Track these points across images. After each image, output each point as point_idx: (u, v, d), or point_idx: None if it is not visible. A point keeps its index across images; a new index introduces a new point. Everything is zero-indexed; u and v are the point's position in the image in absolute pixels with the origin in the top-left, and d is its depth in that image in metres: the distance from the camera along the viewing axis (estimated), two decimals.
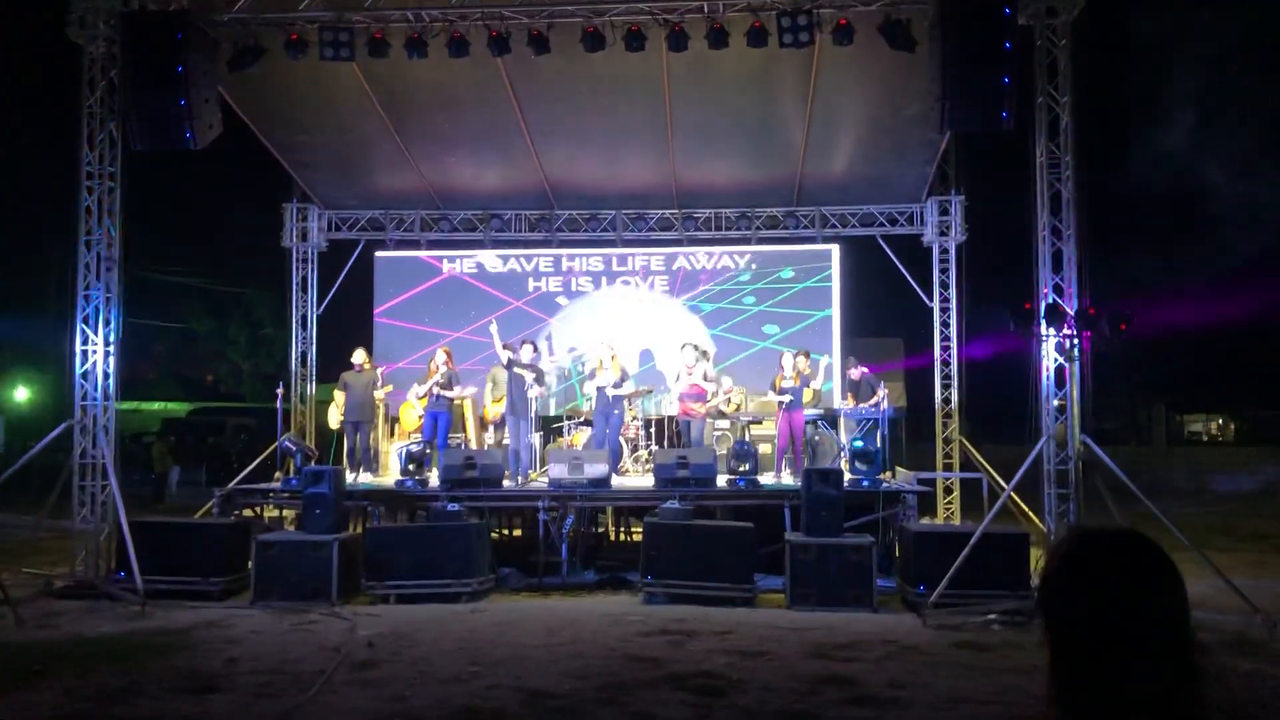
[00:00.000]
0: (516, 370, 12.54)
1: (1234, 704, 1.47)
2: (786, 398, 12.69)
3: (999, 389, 14.24)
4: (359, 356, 13.54)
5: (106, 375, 10.98)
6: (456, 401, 13.69)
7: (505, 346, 12.69)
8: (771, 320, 15.66)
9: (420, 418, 13.40)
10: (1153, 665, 1.40)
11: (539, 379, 12.73)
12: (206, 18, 10.70)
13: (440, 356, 13.21)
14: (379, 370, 13.84)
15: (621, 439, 13.66)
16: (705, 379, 13.19)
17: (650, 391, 14.67)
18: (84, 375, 10.94)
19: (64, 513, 10.97)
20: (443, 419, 13.07)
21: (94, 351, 10.95)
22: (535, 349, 13.18)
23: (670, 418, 14.04)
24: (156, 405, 30.16)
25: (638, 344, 15.68)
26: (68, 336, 11.09)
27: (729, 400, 13.98)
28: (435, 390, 12.92)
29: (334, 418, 13.80)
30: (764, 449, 13.47)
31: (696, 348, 13.44)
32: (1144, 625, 1.41)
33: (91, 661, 7.64)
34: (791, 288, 15.72)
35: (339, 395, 13.45)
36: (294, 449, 12.50)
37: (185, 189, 24.18)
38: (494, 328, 13.03)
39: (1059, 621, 1.48)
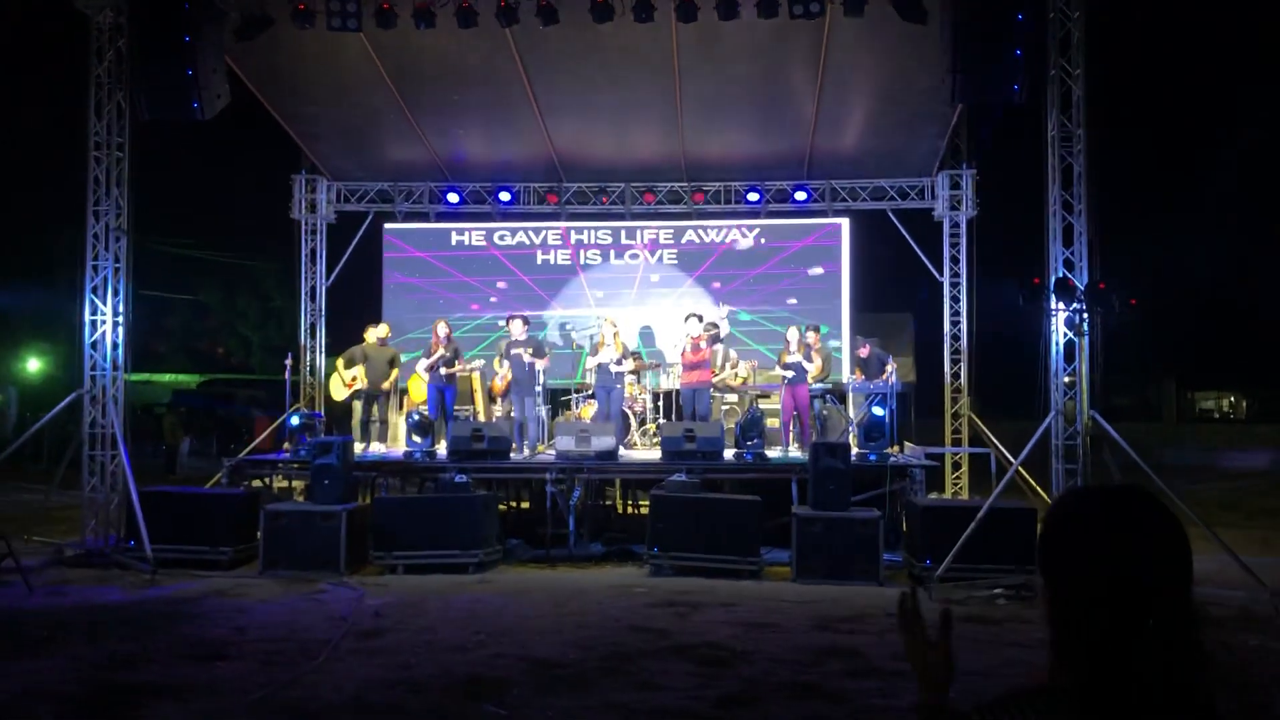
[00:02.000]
0: (514, 351, 12.71)
1: (1234, 670, 1.46)
2: (789, 372, 12.67)
3: (1009, 364, 14.20)
4: (380, 330, 13.53)
5: (116, 345, 11.02)
6: (463, 375, 13.73)
7: (510, 318, 12.77)
8: (780, 294, 15.62)
9: (426, 392, 13.45)
10: (1154, 622, 1.38)
11: (537, 352, 12.81)
12: None
13: (442, 330, 13.20)
14: (396, 351, 13.84)
15: (630, 412, 13.69)
16: (711, 350, 13.17)
17: (657, 366, 14.68)
18: (93, 345, 10.98)
19: (74, 483, 11.04)
20: (449, 392, 13.11)
21: (103, 322, 10.99)
22: (526, 322, 13.27)
23: (677, 391, 14.04)
24: (167, 377, 30.29)
25: (643, 318, 15.68)
26: (77, 307, 11.12)
27: (735, 374, 13.97)
28: (441, 370, 12.95)
29: (339, 390, 13.81)
30: (773, 423, 13.47)
31: (701, 319, 13.41)
32: (1145, 580, 1.40)
33: (100, 629, 7.70)
34: (801, 261, 15.68)
35: (354, 368, 13.42)
36: (304, 426, 12.46)
37: (194, 160, 24.12)
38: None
39: (1059, 578, 1.46)
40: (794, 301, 15.48)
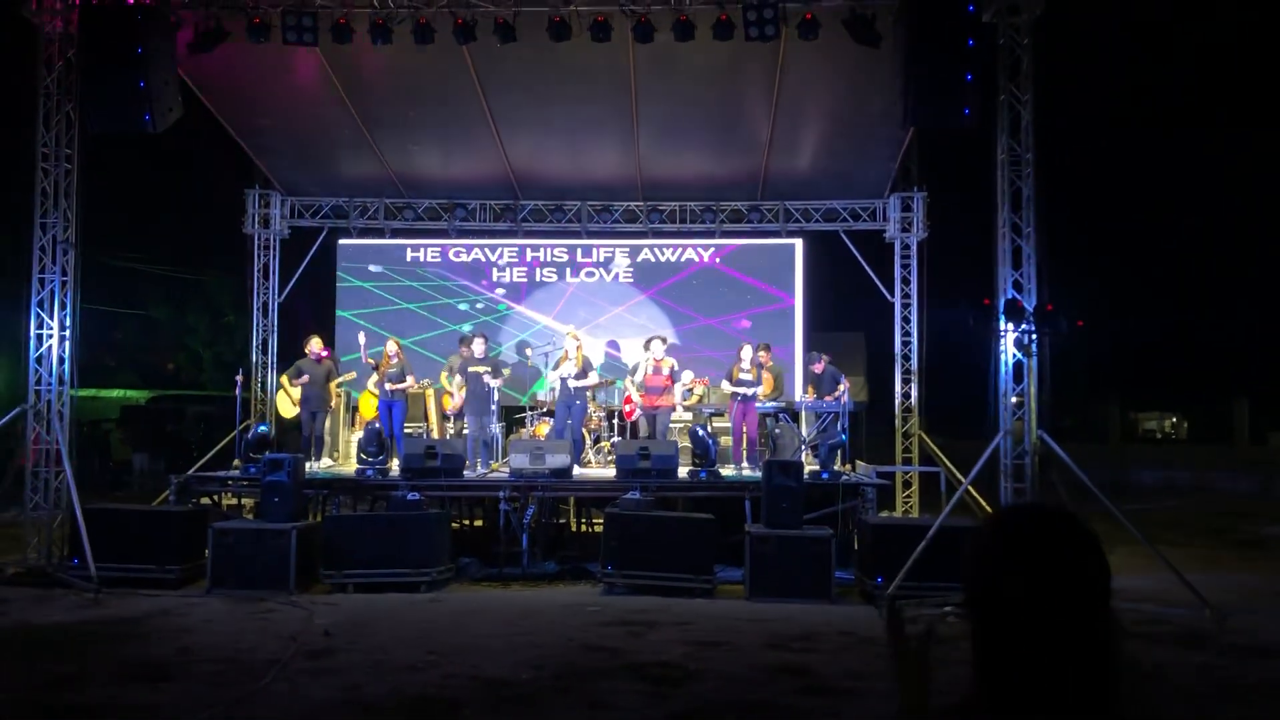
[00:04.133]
0: (471, 369, 12.68)
1: (1143, 689, 1.49)
2: (743, 390, 12.74)
3: (959, 384, 14.38)
4: (316, 345, 13.39)
5: (62, 360, 10.83)
6: (414, 391, 13.66)
7: (470, 336, 12.73)
8: (734, 313, 15.73)
9: (376, 409, 13.38)
10: (1073, 641, 1.42)
11: (495, 371, 12.81)
12: None
13: (391, 347, 13.14)
14: (335, 362, 13.74)
15: (584, 430, 13.69)
16: (671, 372, 13.22)
17: (613, 383, 14.70)
18: (39, 360, 10.79)
19: (17, 500, 10.81)
20: (397, 407, 13.02)
21: (49, 336, 10.80)
22: (486, 340, 13.29)
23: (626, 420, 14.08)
24: (116, 393, 29.76)
25: (602, 336, 15.71)
26: (23, 321, 10.92)
27: (691, 392, 14.03)
28: (387, 385, 12.88)
29: (286, 407, 13.67)
30: (726, 441, 13.52)
31: (665, 341, 13.47)
32: (1065, 600, 1.43)
33: (41, 649, 7.55)
34: (755, 281, 15.81)
35: (295, 384, 13.29)
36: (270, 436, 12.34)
37: (145, 173, 23.81)
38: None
39: (981, 597, 1.49)
40: (747, 323, 15.58)
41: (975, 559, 1.52)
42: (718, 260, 15.86)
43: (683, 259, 15.93)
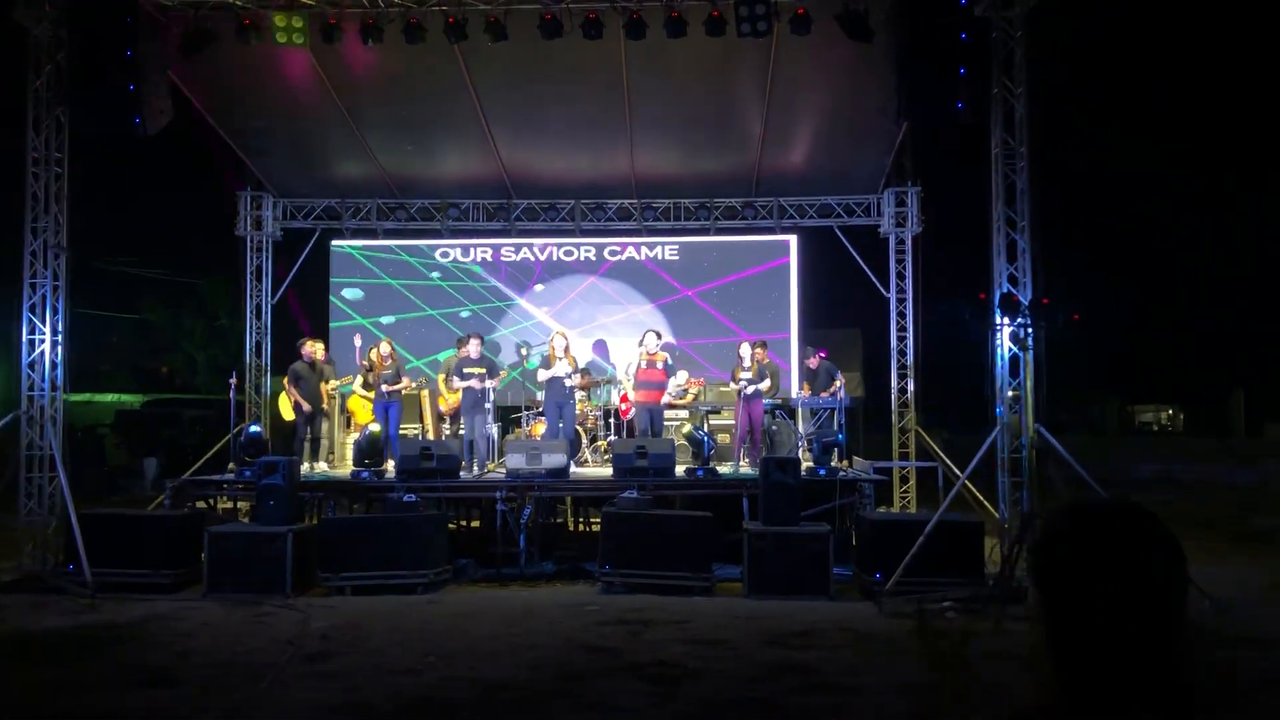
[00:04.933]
0: (466, 370, 12.65)
1: (1216, 686, 1.47)
2: (750, 388, 12.72)
3: (955, 378, 14.36)
4: (310, 347, 13.35)
5: (55, 365, 10.77)
6: (409, 392, 13.63)
7: (466, 337, 12.69)
8: (730, 310, 15.72)
9: (372, 411, 13.34)
10: (1153, 644, 1.39)
11: (491, 372, 12.79)
12: (156, 2, 10.51)
13: (384, 348, 13.11)
14: (331, 365, 13.70)
15: (580, 429, 13.66)
16: (665, 366, 13.19)
17: (608, 382, 14.67)
18: (31, 365, 10.73)
19: (11, 506, 10.76)
20: (393, 409, 13.00)
21: (41, 341, 10.74)
22: (481, 341, 13.25)
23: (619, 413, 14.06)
24: (110, 397, 29.68)
25: (595, 334, 15.69)
26: (15, 326, 10.86)
27: (686, 391, 14.00)
28: (383, 387, 12.85)
29: (287, 409, 13.63)
30: (723, 438, 13.51)
31: (659, 335, 13.45)
32: (1142, 597, 1.40)
33: (37, 655, 7.51)
34: (750, 278, 15.80)
35: (292, 387, 13.26)
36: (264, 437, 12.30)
37: (137, 177, 23.77)
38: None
39: (1057, 595, 1.46)
40: (742, 318, 15.56)
41: (1053, 557, 1.48)
42: (712, 257, 15.86)
43: (677, 256, 15.91)
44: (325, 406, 13.47)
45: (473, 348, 12.99)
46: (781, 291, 15.77)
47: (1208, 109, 30.60)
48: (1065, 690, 1.43)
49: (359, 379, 13.46)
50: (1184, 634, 1.41)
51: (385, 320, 15.69)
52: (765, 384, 12.89)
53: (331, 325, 15.83)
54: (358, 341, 13.67)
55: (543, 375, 13.21)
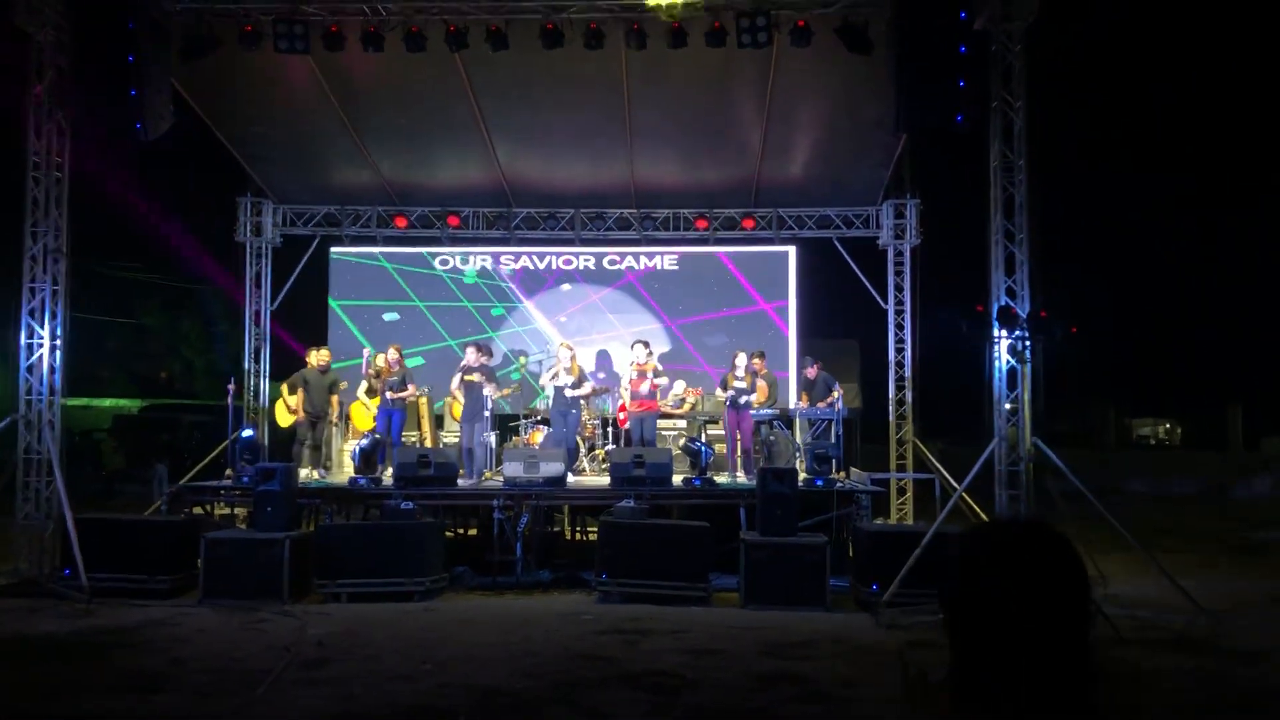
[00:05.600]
0: (466, 379, 12.66)
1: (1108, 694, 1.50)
2: (742, 398, 12.73)
3: (953, 390, 14.38)
4: (321, 355, 13.36)
5: (53, 369, 10.77)
6: (412, 400, 13.64)
7: (467, 346, 12.72)
8: (728, 320, 15.75)
9: (374, 418, 13.34)
10: (1042, 643, 1.41)
11: (490, 379, 12.80)
12: (159, 7, 10.53)
13: (392, 355, 13.14)
14: (337, 376, 13.70)
15: (579, 438, 13.67)
16: (657, 376, 13.21)
17: (608, 390, 14.69)
18: (29, 370, 10.74)
19: (8, 510, 10.75)
20: (396, 416, 13.02)
21: (40, 345, 10.75)
22: (479, 349, 13.27)
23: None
24: (108, 402, 29.68)
25: (595, 344, 15.71)
26: (13, 331, 10.86)
27: (683, 400, 14.01)
28: (389, 394, 12.87)
29: (284, 416, 13.64)
30: (720, 448, 13.51)
31: (647, 345, 13.46)
32: (1043, 610, 1.42)
33: (32, 660, 7.50)
34: (748, 288, 15.83)
35: (297, 393, 13.26)
36: (255, 441, 12.31)
37: (137, 182, 23.78)
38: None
39: (956, 602, 1.48)
40: (740, 329, 15.60)
41: (953, 566, 1.51)
42: (711, 267, 15.89)
43: (676, 266, 15.95)
44: (334, 416, 13.45)
45: (469, 355, 13.01)
46: (780, 302, 15.79)
47: (1208, 120, 30.68)
48: (958, 684, 1.45)
49: (363, 385, 13.46)
50: (1075, 638, 1.44)
51: (383, 327, 15.71)
52: (754, 395, 12.90)
53: (329, 332, 15.84)
54: (366, 353, 13.74)
55: (545, 383, 13.21)
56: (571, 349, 13.31)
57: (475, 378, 12.71)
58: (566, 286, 16.05)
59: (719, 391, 13.10)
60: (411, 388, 13.23)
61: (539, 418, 14.21)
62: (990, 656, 1.43)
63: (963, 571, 1.50)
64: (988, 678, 1.43)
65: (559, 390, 12.89)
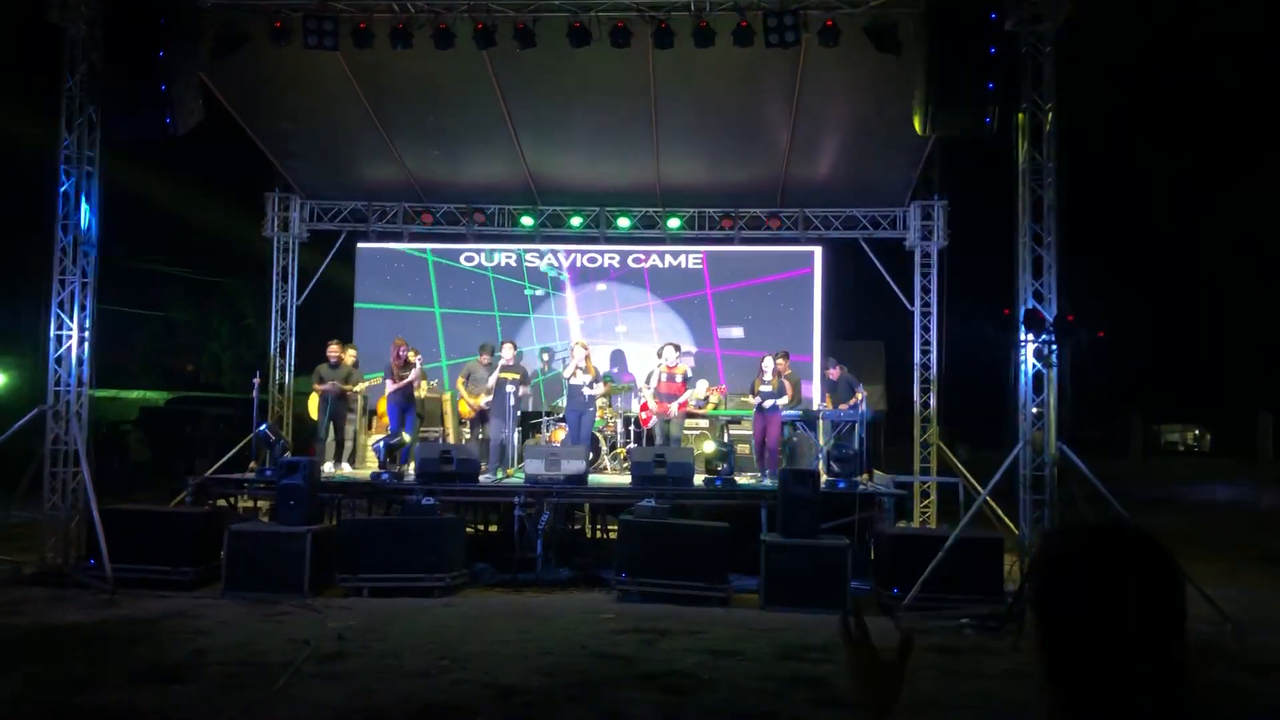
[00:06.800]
0: (501, 375, 12.67)
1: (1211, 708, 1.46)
2: (769, 401, 12.69)
3: (979, 394, 14.29)
4: (336, 350, 13.40)
5: (81, 361, 10.87)
6: (420, 394, 13.67)
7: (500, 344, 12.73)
8: (753, 321, 15.71)
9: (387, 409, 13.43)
10: (1149, 660, 1.37)
11: (524, 379, 12.83)
12: (190, 3, 10.60)
13: (400, 347, 13.26)
14: (357, 368, 13.75)
15: (600, 436, 13.67)
16: (684, 379, 13.18)
17: (628, 388, 14.67)
18: (58, 361, 10.84)
19: (36, 500, 10.85)
20: (410, 410, 13.07)
21: (69, 337, 10.85)
22: (515, 347, 13.29)
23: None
24: (135, 394, 29.95)
25: (615, 342, 15.70)
26: (43, 322, 10.96)
27: (706, 401, 13.98)
28: (387, 384, 13.00)
29: (314, 409, 13.71)
30: (743, 449, 13.47)
31: (678, 348, 13.43)
32: (1139, 619, 1.39)
33: (57, 650, 7.57)
34: (773, 289, 15.78)
35: (318, 389, 13.33)
36: (272, 438, 12.39)
37: (167, 176, 23.96)
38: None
39: (1054, 618, 1.45)
40: (766, 328, 15.54)
41: (1048, 576, 1.47)
42: (736, 267, 15.86)
43: (700, 265, 15.92)
44: (350, 410, 13.51)
45: (506, 352, 13.04)
46: (805, 303, 15.73)
47: (1242, 125, 30.32)
48: (1058, 705, 1.42)
49: (389, 382, 13.51)
50: (1182, 655, 1.40)
51: (409, 322, 15.75)
52: (783, 399, 12.85)
53: (356, 326, 15.91)
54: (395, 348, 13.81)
55: (568, 374, 13.24)
56: (586, 347, 13.28)
57: (510, 375, 12.72)
58: (601, 286, 16.03)
59: (749, 398, 13.04)
60: (418, 369, 13.20)
61: (560, 415, 14.22)
62: (1091, 675, 1.40)
63: (1061, 577, 1.46)
64: (1088, 698, 1.40)
65: (575, 389, 12.87)
